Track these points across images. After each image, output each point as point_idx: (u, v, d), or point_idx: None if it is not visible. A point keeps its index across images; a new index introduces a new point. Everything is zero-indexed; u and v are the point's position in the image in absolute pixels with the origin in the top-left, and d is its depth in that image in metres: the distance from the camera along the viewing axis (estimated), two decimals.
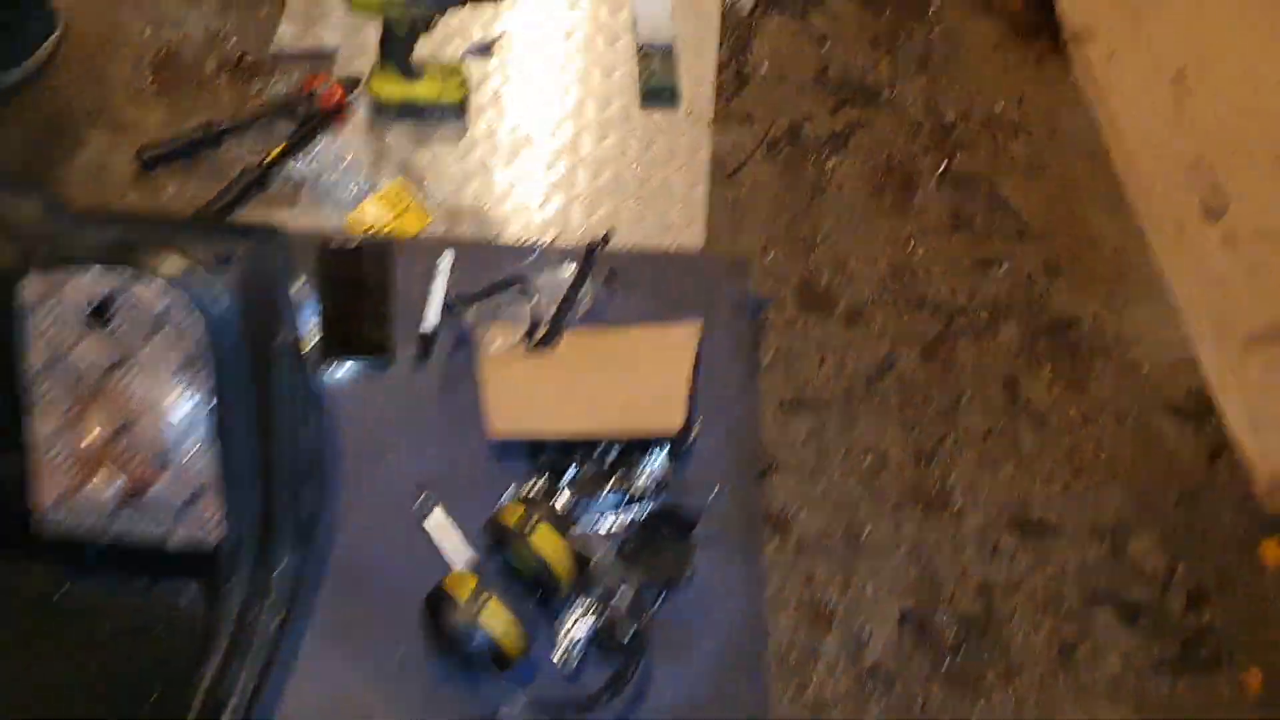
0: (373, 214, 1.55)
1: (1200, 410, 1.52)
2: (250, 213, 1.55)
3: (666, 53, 1.75)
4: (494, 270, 1.43)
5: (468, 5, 1.54)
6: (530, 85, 1.72)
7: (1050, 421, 1.50)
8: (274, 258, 1.18)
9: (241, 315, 1.13)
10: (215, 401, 1.11)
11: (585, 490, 1.28)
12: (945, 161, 1.70)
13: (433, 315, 1.39)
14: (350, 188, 1.57)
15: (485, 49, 1.73)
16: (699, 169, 1.65)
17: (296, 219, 1.55)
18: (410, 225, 1.55)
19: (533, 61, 1.74)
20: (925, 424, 1.48)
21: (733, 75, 1.76)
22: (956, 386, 1.51)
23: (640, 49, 1.75)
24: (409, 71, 1.61)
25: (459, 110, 1.66)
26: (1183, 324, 1.59)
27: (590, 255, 1.41)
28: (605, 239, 1.41)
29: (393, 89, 1.62)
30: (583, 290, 1.41)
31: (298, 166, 1.58)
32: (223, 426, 1.13)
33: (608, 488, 1.28)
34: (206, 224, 1.25)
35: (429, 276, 1.44)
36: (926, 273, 1.60)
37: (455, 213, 1.57)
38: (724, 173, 1.66)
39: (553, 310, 1.39)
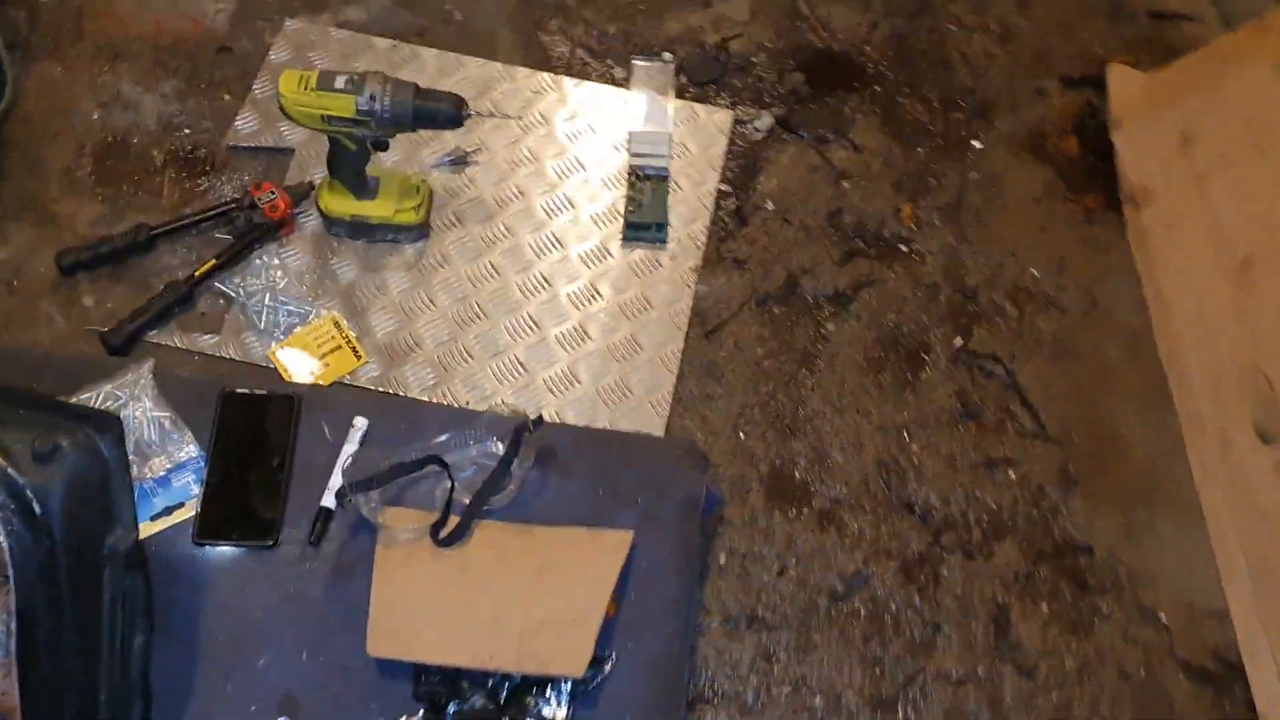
0: (298, 351, 1.39)
1: (1224, 674, 1.30)
2: (168, 335, 1.40)
3: (660, 180, 1.57)
4: (416, 435, 1.26)
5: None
6: (504, 208, 1.55)
7: (1040, 671, 1.29)
8: (113, 446, 1.03)
9: (64, 518, 0.98)
10: (15, 621, 0.95)
11: None
12: (960, 337, 1.49)
13: (332, 490, 1.22)
14: (283, 315, 1.42)
15: (461, 160, 1.57)
16: (675, 323, 1.47)
17: (217, 347, 1.40)
18: (340, 366, 1.39)
19: (513, 180, 1.57)
20: (891, 661, 1.28)
21: (732, 211, 1.58)
22: (935, 616, 1.31)
23: (631, 173, 1.57)
24: (360, 188, 1.45)
25: (416, 233, 1.50)
26: (1215, 564, 1.36)
27: (518, 438, 1.23)
28: (536, 423, 1.23)
29: (341, 205, 1.46)
30: (508, 476, 1.23)
31: (230, 285, 1.43)
32: (29, 646, 0.97)
33: None
34: (31, 402, 1.09)
35: (340, 438, 1.27)
36: (918, 472, 1.40)
37: (393, 355, 1.42)
38: (704, 328, 1.48)
39: (468, 499, 1.22)
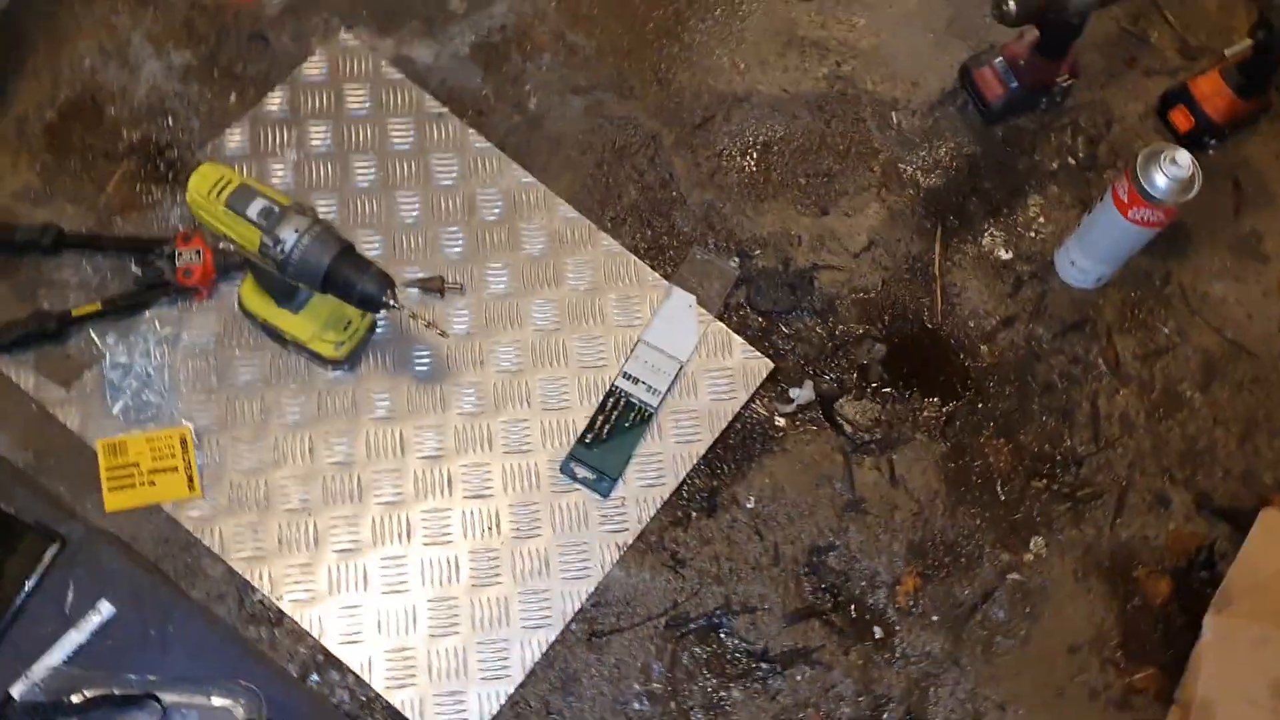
0: (129, 454, 1.19)
1: None
2: (17, 365, 1.22)
3: (640, 421, 1.28)
4: (164, 650, 1.06)
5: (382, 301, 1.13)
6: (454, 372, 1.30)
7: None
8: None
9: None
10: None
11: None
12: None
13: (31, 678, 1.03)
14: (139, 402, 1.22)
15: (436, 289, 1.30)
16: (563, 604, 1.21)
17: (58, 405, 1.21)
18: (164, 491, 1.19)
19: (483, 338, 1.31)
20: None
21: (703, 492, 1.27)
22: None
23: (612, 393, 1.28)
24: (283, 296, 1.21)
25: (333, 365, 1.25)
26: None
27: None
28: None
29: (259, 306, 1.23)
30: None
31: (104, 340, 1.23)
32: None
33: None
34: None
35: (80, 611, 1.07)
36: None
37: (233, 501, 1.20)
38: (591, 627, 1.21)
39: None
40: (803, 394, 1.33)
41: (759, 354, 1.34)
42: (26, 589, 1.06)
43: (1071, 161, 1.48)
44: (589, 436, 1.27)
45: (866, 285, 1.39)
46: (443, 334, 1.22)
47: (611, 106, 1.44)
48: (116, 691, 1.02)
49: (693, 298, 1.35)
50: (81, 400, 1.22)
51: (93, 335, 1.24)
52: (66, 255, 1.27)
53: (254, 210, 1.07)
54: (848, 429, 1.32)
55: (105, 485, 1.18)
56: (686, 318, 1.34)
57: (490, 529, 1.24)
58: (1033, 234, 1.44)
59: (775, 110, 1.46)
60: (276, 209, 1.07)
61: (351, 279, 1.09)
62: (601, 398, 1.29)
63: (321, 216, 1.11)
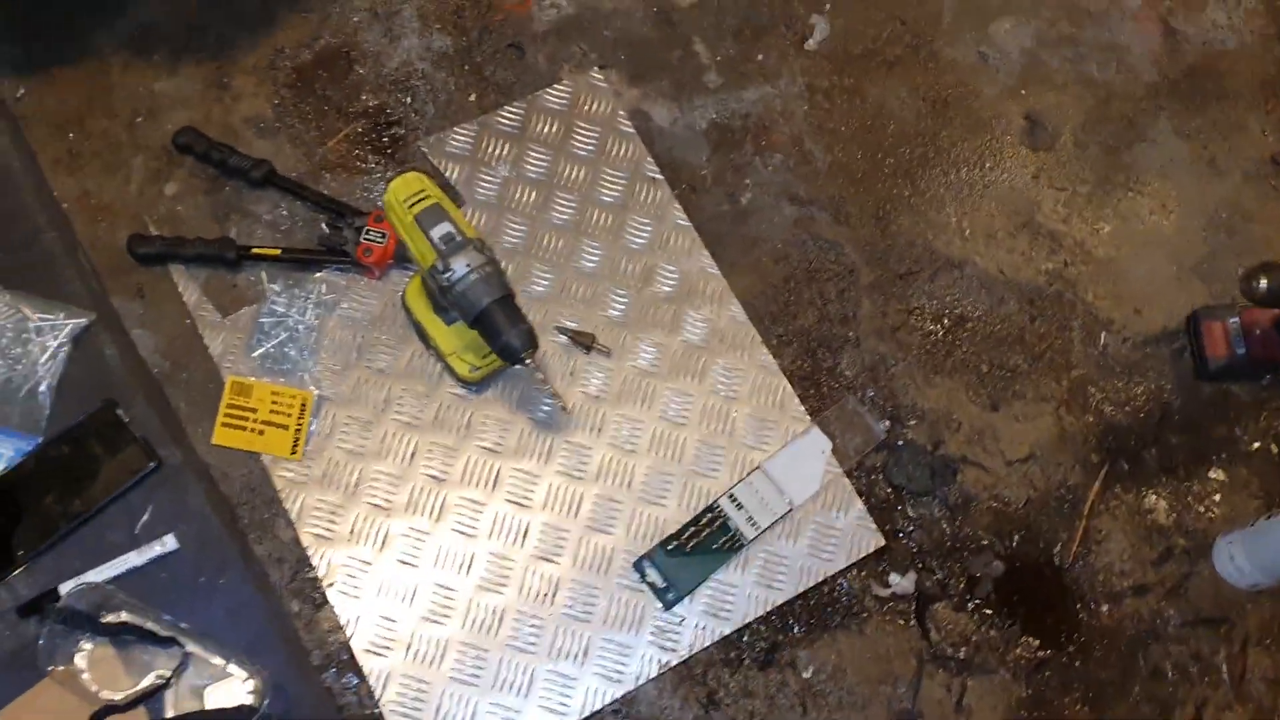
0: (252, 397, 1.23)
1: None
2: (189, 279, 1.28)
3: (727, 548, 1.25)
4: (205, 602, 1.10)
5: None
6: (559, 431, 1.29)
7: None
8: None
9: None
10: None
11: None
12: None
13: (80, 584, 1.08)
14: (279, 354, 1.26)
15: (581, 342, 1.30)
16: (582, 706, 1.18)
17: (208, 331, 1.26)
18: (268, 444, 1.23)
19: (604, 409, 1.31)
20: None
21: (761, 646, 1.23)
22: None
23: (709, 510, 1.26)
24: (442, 308, 1.23)
25: (463, 383, 1.27)
26: None
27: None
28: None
29: (416, 304, 1.26)
30: None
31: (271, 284, 1.28)
32: None
33: None
34: None
35: (146, 536, 1.11)
36: None
37: (325, 477, 1.23)
38: None
39: (171, 711, 1.05)
40: (902, 583, 1.27)
41: (874, 526, 1.29)
42: (113, 496, 1.11)
43: (1274, 449, 1.36)
44: (673, 544, 1.25)
45: (1009, 497, 1.32)
46: (563, 407, 1.22)
47: (822, 227, 1.40)
48: (148, 625, 1.05)
49: (829, 444, 1.31)
50: (231, 332, 1.27)
51: (263, 276, 1.29)
52: (268, 192, 1.33)
53: (437, 233, 1.09)
54: (934, 636, 1.26)
55: (220, 418, 1.23)
56: (815, 462, 1.30)
57: (544, 596, 1.23)
58: (1202, 508, 1.33)
59: (984, 287, 1.40)
60: (458, 238, 1.09)
61: (500, 327, 1.10)
62: (699, 510, 1.27)
63: (495, 258, 1.12)
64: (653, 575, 1.24)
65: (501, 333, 1.10)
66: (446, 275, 1.08)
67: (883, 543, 1.28)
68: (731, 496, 1.27)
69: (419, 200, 1.11)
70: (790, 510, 1.27)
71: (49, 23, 1.38)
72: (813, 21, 1.48)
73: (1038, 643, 1.27)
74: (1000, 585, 1.29)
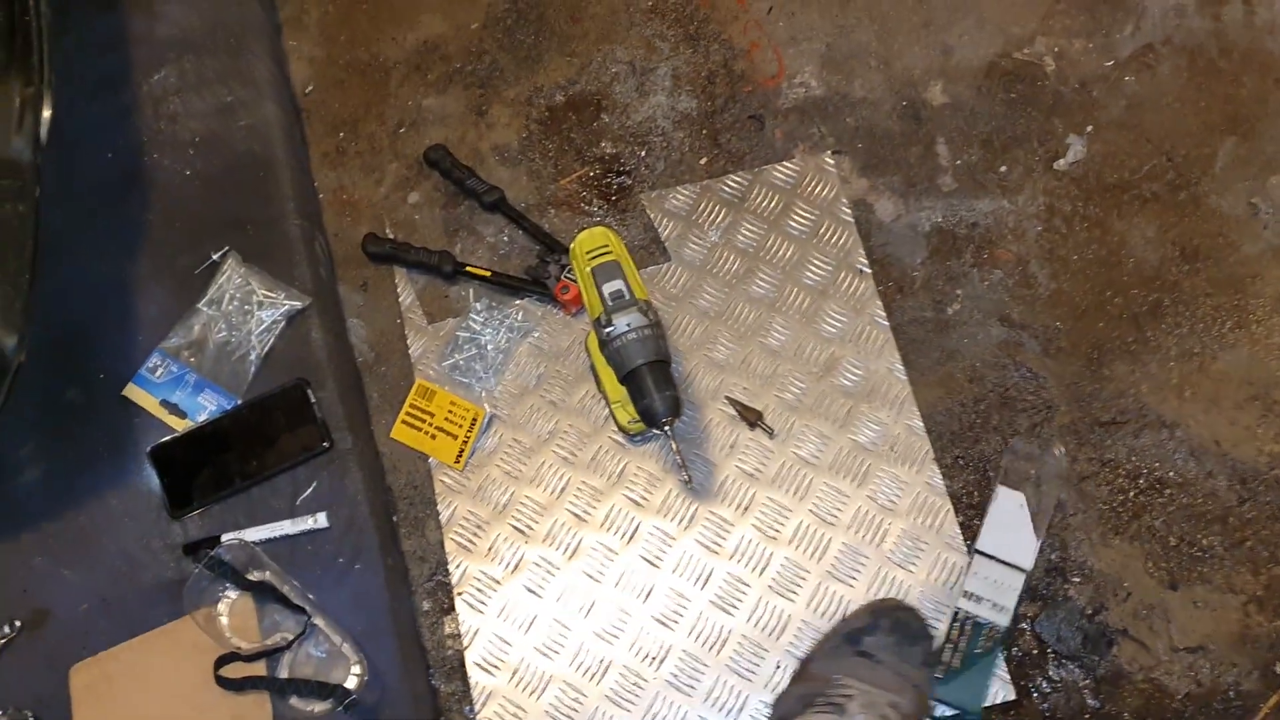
0: (432, 403, 1.32)
1: None
2: (407, 282, 1.39)
3: (990, 640, 1.21)
4: (337, 584, 1.20)
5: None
6: (706, 498, 1.30)
7: None
8: None
9: None
10: None
11: None
12: None
13: (237, 539, 1.19)
14: (467, 369, 1.34)
15: (748, 418, 1.31)
16: None
17: (416, 331, 1.37)
18: (437, 449, 1.32)
19: (750, 487, 1.31)
20: None
21: None
22: None
23: (956, 618, 1.22)
24: None
25: (623, 433, 1.30)
26: None
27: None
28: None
29: (595, 349, 1.31)
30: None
31: (476, 301, 1.36)
32: None
33: None
34: None
35: (304, 509, 1.21)
36: None
37: (479, 491, 1.31)
38: None
39: (286, 673, 1.14)
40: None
41: (1007, 676, 1.22)
42: (284, 466, 1.22)
43: None
44: (939, 670, 1.21)
45: (1165, 686, 1.21)
46: (687, 481, 1.23)
47: (1028, 355, 1.34)
48: (284, 589, 1.15)
49: (1021, 496, 1.25)
50: (431, 338, 1.37)
51: (471, 293, 1.38)
52: (496, 217, 1.42)
53: (608, 289, 1.14)
54: None
55: (402, 415, 1.33)
56: (1019, 518, 1.25)
57: (654, 659, 1.25)
58: None
59: (1194, 456, 1.29)
60: (625, 297, 1.13)
61: (646, 390, 1.14)
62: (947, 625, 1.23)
63: (659, 323, 1.15)
64: (944, 710, 1.21)
65: (646, 395, 1.14)
66: (608, 330, 1.13)
67: (1013, 696, 1.21)
68: (966, 594, 1.23)
69: (600, 255, 1.16)
70: (1026, 581, 1.22)
71: (351, 26, 1.53)
72: (1069, 141, 1.42)
73: None
74: None
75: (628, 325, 1.13)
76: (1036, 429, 1.31)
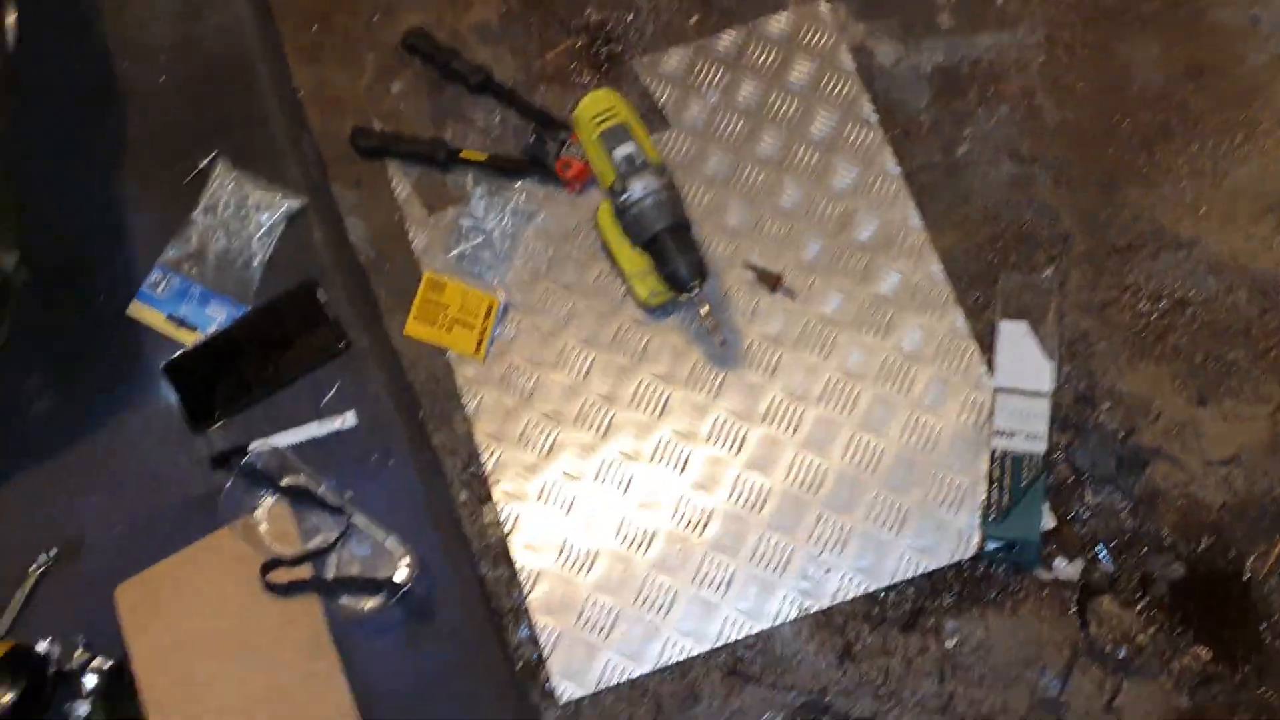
0: (444, 295, 1.29)
1: None
2: (402, 174, 1.35)
3: (1031, 468, 1.22)
4: (371, 481, 1.18)
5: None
6: (732, 365, 1.29)
7: None
8: None
9: None
10: None
11: None
12: None
13: (265, 445, 1.18)
14: (479, 254, 1.31)
15: (768, 281, 1.29)
16: (719, 633, 1.21)
17: (414, 223, 1.34)
18: (454, 341, 1.30)
19: (776, 349, 1.30)
20: None
21: (902, 606, 1.21)
22: None
23: (994, 458, 1.23)
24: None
25: (642, 308, 1.29)
26: None
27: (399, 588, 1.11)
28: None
29: (607, 224, 1.29)
30: (382, 597, 1.13)
31: (475, 188, 1.33)
32: None
33: None
34: None
35: (332, 408, 1.20)
36: None
37: (502, 380, 1.29)
38: (730, 664, 1.20)
39: (332, 574, 1.14)
40: (1068, 570, 1.22)
41: (1047, 506, 1.23)
42: (303, 369, 1.20)
43: None
44: (991, 512, 1.23)
45: (1202, 500, 1.24)
46: (721, 341, 1.22)
47: (1041, 188, 1.33)
48: (320, 492, 1.14)
49: (1025, 324, 1.26)
50: (434, 229, 1.35)
51: (469, 180, 1.35)
52: (485, 99, 1.38)
53: (620, 153, 1.11)
54: (1094, 629, 1.21)
55: (414, 311, 1.31)
56: (1027, 345, 1.26)
57: (695, 525, 1.25)
58: None
59: (1212, 272, 1.30)
60: (639, 160, 1.11)
61: (669, 255, 1.12)
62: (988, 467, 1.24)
63: (675, 185, 1.13)
64: (997, 546, 1.22)
65: (670, 260, 1.12)
66: (624, 196, 1.11)
67: (1053, 524, 1.23)
68: (999, 432, 1.24)
69: (606, 118, 1.13)
70: (1049, 404, 1.23)
71: None
72: None
73: (1209, 655, 1.19)
74: (1177, 589, 1.22)
75: (644, 190, 1.10)
76: (1054, 261, 1.31)
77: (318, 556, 1.14)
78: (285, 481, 1.14)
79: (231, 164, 1.27)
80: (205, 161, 1.27)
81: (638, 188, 1.11)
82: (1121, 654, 1.20)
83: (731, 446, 1.28)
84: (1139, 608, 1.22)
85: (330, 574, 1.15)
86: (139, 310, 1.24)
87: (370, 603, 1.12)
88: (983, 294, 1.31)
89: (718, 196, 1.35)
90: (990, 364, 1.28)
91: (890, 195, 1.34)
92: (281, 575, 1.13)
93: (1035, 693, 1.20)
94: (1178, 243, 1.31)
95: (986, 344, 1.29)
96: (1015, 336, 1.27)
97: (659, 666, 1.22)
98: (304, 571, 1.14)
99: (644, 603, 1.24)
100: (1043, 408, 1.24)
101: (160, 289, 1.23)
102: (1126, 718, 1.19)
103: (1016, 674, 1.20)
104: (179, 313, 1.23)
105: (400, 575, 1.12)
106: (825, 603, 1.23)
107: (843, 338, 1.30)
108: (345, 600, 1.13)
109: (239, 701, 1.12)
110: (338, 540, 1.14)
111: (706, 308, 1.18)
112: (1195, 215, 1.32)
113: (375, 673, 1.15)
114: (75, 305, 1.26)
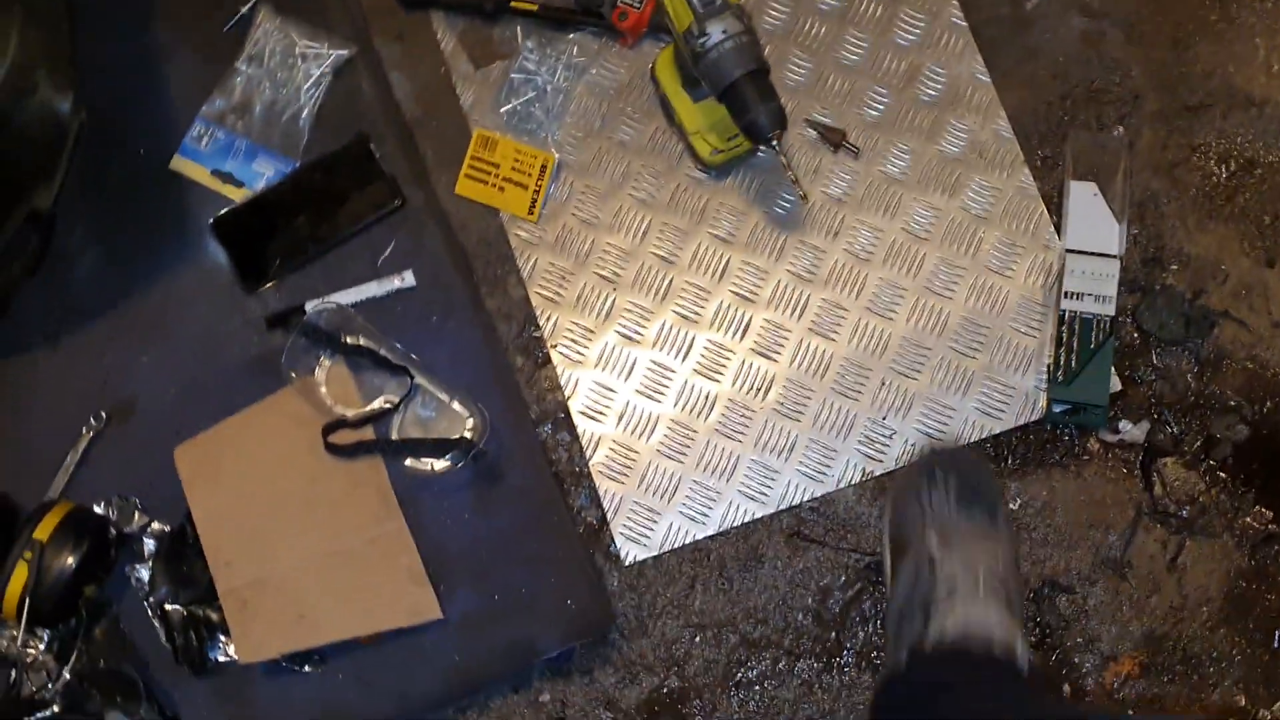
0: (496, 153, 1.24)
1: None
2: (450, 25, 1.29)
3: (1102, 331, 1.20)
4: (436, 343, 1.15)
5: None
6: (794, 227, 1.26)
7: None
8: None
9: None
10: None
11: None
12: None
13: (324, 304, 1.14)
14: (531, 109, 1.26)
15: (831, 139, 1.25)
16: (781, 497, 1.20)
17: (463, 77, 1.28)
18: (507, 201, 1.25)
19: (840, 210, 1.27)
20: None
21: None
22: None
23: (1062, 314, 1.21)
24: (691, 82, 1.20)
25: (703, 165, 1.25)
26: None
27: (471, 449, 1.09)
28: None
29: (666, 77, 1.25)
30: (452, 459, 1.11)
31: (526, 40, 1.27)
32: None
33: None
34: None
35: (388, 270, 1.16)
36: None
37: (558, 240, 1.26)
38: (794, 527, 1.19)
39: (395, 434, 1.11)
40: (1133, 432, 1.21)
41: (1113, 369, 1.22)
42: (358, 227, 1.16)
43: None
44: (1058, 374, 1.21)
45: (1269, 361, 1.23)
46: (804, 197, 1.18)
47: (1112, 45, 1.29)
48: (382, 351, 1.11)
49: (1093, 185, 1.24)
50: (482, 85, 1.29)
51: (519, 32, 1.29)
52: None
53: None
54: (1158, 490, 1.21)
55: (464, 170, 1.26)
56: (1097, 207, 1.24)
57: (757, 390, 1.24)
58: None
59: None
60: (719, 1, 1.04)
61: (749, 102, 1.07)
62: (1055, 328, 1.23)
63: (755, 29, 1.08)
64: (1064, 409, 1.21)
65: (750, 109, 1.07)
66: (701, 40, 1.05)
67: (1119, 386, 1.22)
68: (1067, 294, 1.22)
69: None
70: (1120, 265, 1.21)
71: None
72: None
73: (1271, 515, 1.20)
74: (1241, 450, 1.22)
75: (724, 32, 1.05)
76: (1124, 119, 1.28)
77: (382, 417, 1.12)
78: (346, 340, 1.11)
79: (274, 10, 1.21)
80: (246, 8, 1.21)
81: (717, 30, 1.05)
82: (1184, 514, 1.21)
83: (793, 311, 1.25)
84: (1202, 469, 1.22)
85: (394, 435, 1.12)
86: (182, 164, 1.19)
87: (440, 464, 1.10)
88: (1051, 153, 1.28)
89: (778, 50, 1.29)
90: (1058, 225, 1.26)
91: (958, 50, 1.29)
92: (345, 436, 1.11)
93: (1099, 552, 1.20)
94: (1249, 101, 1.28)
95: (1053, 205, 1.27)
96: (1085, 197, 1.25)
97: (722, 530, 1.22)
98: (367, 433, 1.12)
99: (706, 467, 1.23)
100: (1113, 270, 1.22)
101: (204, 142, 1.18)
102: (1189, 576, 1.20)
103: (1080, 534, 1.21)
104: (225, 167, 1.18)
105: (468, 435, 1.10)
106: (889, 466, 1.22)
107: (907, 198, 1.27)
108: (411, 462, 1.11)
109: (308, 561, 1.11)
110: (401, 402, 1.12)
111: (785, 160, 1.13)
112: (1268, 73, 1.29)
113: (443, 534, 1.14)
114: (114, 160, 1.20)
